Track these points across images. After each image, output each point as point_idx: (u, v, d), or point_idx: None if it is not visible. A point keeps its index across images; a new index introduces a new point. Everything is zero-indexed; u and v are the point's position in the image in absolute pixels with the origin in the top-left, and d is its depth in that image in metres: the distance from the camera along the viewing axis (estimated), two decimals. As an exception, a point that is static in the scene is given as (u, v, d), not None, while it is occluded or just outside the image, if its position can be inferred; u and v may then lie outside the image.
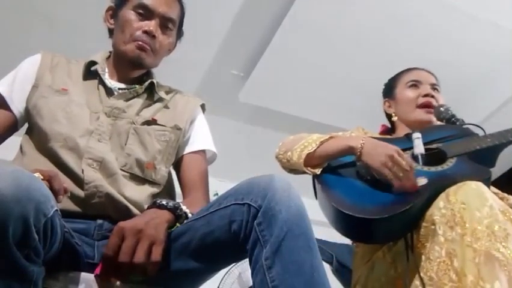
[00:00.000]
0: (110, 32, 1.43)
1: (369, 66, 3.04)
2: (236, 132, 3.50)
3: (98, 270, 1.00)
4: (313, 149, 1.38)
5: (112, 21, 1.42)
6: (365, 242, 1.45)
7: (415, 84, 1.67)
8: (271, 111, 3.47)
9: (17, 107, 1.30)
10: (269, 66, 3.17)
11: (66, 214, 1.01)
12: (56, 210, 0.90)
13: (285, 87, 3.32)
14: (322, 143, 1.39)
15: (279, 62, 3.14)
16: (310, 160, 1.38)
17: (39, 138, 1.24)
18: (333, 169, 1.41)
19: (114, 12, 1.41)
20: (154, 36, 1.34)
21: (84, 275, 1.02)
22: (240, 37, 3.07)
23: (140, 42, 1.33)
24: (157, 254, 0.98)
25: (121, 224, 1.01)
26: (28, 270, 0.85)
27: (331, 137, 1.42)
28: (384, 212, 1.20)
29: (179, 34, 1.49)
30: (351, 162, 1.39)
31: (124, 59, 1.37)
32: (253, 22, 3.00)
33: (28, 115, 1.29)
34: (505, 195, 1.57)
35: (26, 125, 1.33)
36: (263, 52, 3.11)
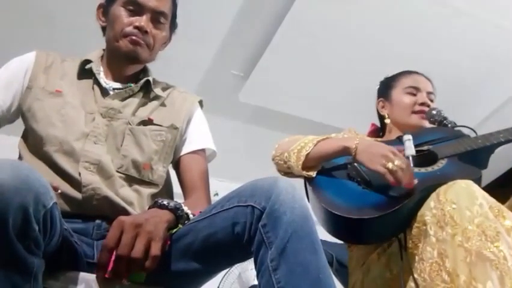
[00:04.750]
0: (103, 29, 1.41)
1: (369, 66, 3.04)
2: (236, 132, 3.49)
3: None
4: (311, 148, 1.38)
5: (103, 18, 1.39)
6: (356, 243, 1.45)
7: (413, 91, 1.68)
8: (271, 111, 3.47)
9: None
10: (269, 66, 3.17)
11: (64, 215, 1.01)
12: (55, 202, 0.90)
13: (285, 87, 3.32)
14: (318, 142, 1.40)
15: (279, 62, 3.13)
16: (307, 161, 1.39)
17: (34, 142, 1.23)
18: (325, 171, 1.41)
19: (105, 9, 1.39)
20: (146, 32, 1.32)
21: (83, 274, 1.02)
22: (240, 37, 3.06)
23: (133, 37, 1.31)
24: (155, 249, 0.97)
25: (121, 218, 1.00)
26: (28, 261, 0.85)
27: (326, 137, 1.43)
28: (374, 213, 1.21)
29: (173, 27, 1.46)
30: (342, 165, 1.40)
31: (118, 55, 1.35)
32: (253, 22, 2.99)
33: (23, 118, 1.28)
34: None
35: (22, 128, 1.30)
36: (263, 52, 3.11)
